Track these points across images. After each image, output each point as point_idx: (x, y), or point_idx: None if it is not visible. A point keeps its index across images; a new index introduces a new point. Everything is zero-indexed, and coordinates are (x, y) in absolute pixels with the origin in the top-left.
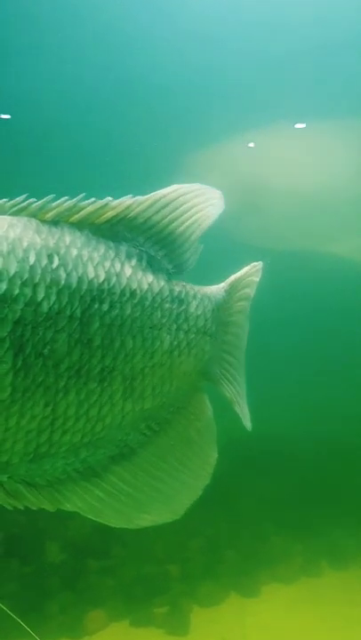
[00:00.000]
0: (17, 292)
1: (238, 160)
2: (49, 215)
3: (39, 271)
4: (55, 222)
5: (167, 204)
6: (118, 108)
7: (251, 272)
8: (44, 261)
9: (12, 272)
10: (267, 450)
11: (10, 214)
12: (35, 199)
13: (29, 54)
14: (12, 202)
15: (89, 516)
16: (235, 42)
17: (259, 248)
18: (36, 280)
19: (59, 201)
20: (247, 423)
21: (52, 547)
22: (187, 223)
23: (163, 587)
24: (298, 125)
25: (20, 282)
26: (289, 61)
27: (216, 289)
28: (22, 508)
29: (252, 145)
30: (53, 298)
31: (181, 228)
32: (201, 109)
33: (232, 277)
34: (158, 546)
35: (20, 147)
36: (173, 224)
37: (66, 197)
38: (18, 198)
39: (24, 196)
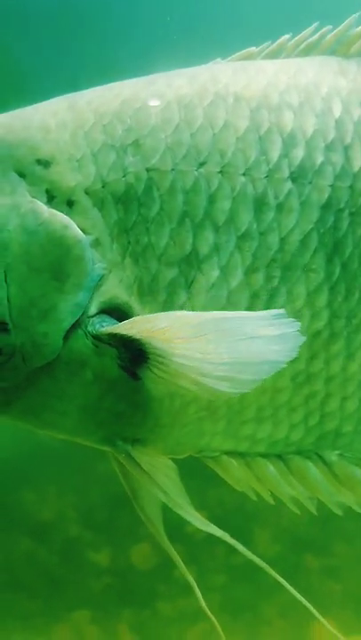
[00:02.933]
0: (320, 159)
1: None
2: (355, 47)
3: (350, 127)
4: None
5: None
6: None
7: None
8: (357, 113)
9: (309, 131)
10: None
11: (297, 55)
12: (329, 26)
13: None
14: (297, 38)
15: None
16: None
17: None
18: (348, 141)
19: None
20: None
21: (263, 536)
22: None
23: None
24: None
25: (323, 145)
26: None
27: None
28: (358, 508)
29: None
30: None
31: None
32: None
33: None
34: None
35: None
36: None
37: None
38: (304, 32)
39: (312, 26)
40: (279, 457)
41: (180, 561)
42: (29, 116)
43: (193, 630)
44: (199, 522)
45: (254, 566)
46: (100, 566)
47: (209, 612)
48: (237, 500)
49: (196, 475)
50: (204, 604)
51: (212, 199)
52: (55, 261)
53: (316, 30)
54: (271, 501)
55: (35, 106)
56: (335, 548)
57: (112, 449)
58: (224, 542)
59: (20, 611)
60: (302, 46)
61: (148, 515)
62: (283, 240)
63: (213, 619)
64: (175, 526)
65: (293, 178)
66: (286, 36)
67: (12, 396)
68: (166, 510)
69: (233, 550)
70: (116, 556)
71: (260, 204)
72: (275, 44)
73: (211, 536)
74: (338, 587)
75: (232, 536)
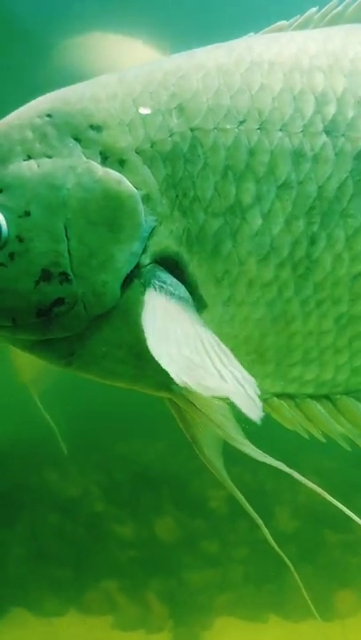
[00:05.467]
0: (351, 114)
1: None
2: None
3: None
4: None
5: None
6: None
7: None
8: None
9: (339, 90)
10: None
11: (324, 26)
12: None
13: None
14: (323, 10)
15: None
16: None
17: None
18: None
19: None
20: None
21: (283, 512)
22: None
23: None
24: None
25: (353, 101)
26: None
27: None
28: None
29: None
30: None
31: None
32: None
33: None
34: None
35: None
36: None
37: None
38: (329, 5)
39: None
40: (327, 397)
41: (247, 503)
42: (82, 89)
43: (220, 598)
44: (257, 454)
45: (276, 540)
46: (125, 539)
47: (279, 550)
48: (257, 479)
49: None
50: (274, 543)
51: (252, 153)
52: (110, 214)
53: (340, 2)
54: (322, 439)
55: (86, 82)
56: (352, 524)
57: (169, 393)
58: (246, 517)
59: (50, 579)
60: (328, 17)
61: (208, 457)
62: (321, 188)
63: (288, 561)
64: (198, 502)
65: (327, 131)
66: (313, 9)
67: (76, 346)
68: (190, 488)
69: (254, 526)
70: (141, 530)
71: (297, 156)
72: (303, 17)
73: (233, 511)
74: (356, 560)
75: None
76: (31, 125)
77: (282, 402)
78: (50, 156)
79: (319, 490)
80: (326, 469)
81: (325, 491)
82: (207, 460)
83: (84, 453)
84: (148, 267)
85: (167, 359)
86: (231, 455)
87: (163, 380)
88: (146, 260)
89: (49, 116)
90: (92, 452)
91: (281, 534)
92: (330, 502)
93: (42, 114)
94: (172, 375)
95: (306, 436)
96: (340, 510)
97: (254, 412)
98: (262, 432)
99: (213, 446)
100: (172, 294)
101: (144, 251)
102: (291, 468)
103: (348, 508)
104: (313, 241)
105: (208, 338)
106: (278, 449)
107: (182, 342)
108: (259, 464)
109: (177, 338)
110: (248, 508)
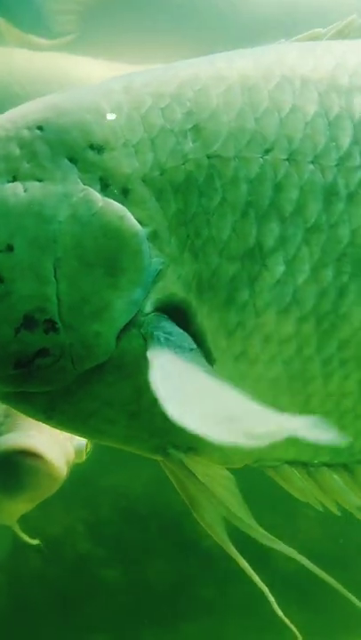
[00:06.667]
0: None
1: None
2: None
3: None
4: None
5: None
6: None
7: None
8: None
9: None
10: None
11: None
12: None
13: None
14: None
15: None
16: None
17: None
18: None
19: None
20: None
21: (282, 552)
22: None
23: None
24: None
25: None
26: None
27: None
28: None
29: None
30: None
31: None
32: None
33: None
34: None
35: None
36: None
37: None
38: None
39: None
40: (345, 466)
41: (254, 573)
42: (80, 97)
43: None
44: (264, 537)
45: (272, 584)
46: (114, 584)
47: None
48: (253, 514)
49: None
50: (280, 612)
51: (278, 188)
52: (110, 255)
53: None
54: (337, 512)
55: (86, 87)
56: (352, 562)
57: (164, 458)
58: (244, 556)
59: (31, 633)
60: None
61: (209, 523)
62: (354, 233)
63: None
64: (191, 540)
65: None
66: (354, 16)
67: (58, 401)
68: (181, 524)
69: (254, 567)
70: (131, 574)
71: (329, 194)
72: (342, 24)
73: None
74: None
75: (250, 552)
76: (18, 139)
77: (293, 470)
78: (39, 180)
79: (306, 561)
80: None
81: (323, 522)
82: (208, 527)
83: (65, 488)
84: (150, 316)
85: (197, 422)
86: None
87: (159, 443)
88: (148, 307)
89: (40, 128)
90: (75, 487)
91: (280, 575)
92: (331, 539)
93: (31, 125)
94: (211, 437)
95: (320, 508)
96: (342, 548)
97: (332, 436)
98: (255, 469)
99: (213, 511)
100: (179, 347)
101: (146, 297)
102: (285, 500)
103: (345, 540)
104: (342, 293)
105: (230, 390)
106: (271, 484)
107: (207, 400)
108: (256, 499)
109: (199, 396)
110: (258, 581)
